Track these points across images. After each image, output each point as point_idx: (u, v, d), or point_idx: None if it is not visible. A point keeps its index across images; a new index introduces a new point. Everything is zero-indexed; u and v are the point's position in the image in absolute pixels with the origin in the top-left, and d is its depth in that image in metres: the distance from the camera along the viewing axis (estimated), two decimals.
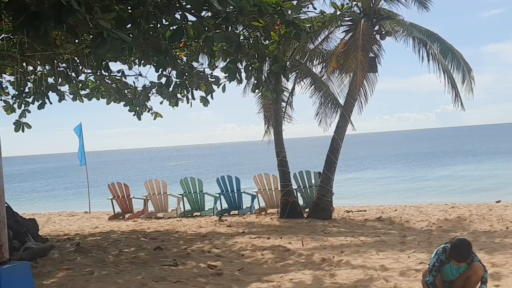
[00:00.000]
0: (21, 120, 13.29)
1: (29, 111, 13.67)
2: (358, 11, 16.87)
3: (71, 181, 59.57)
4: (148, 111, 14.74)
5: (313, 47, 17.69)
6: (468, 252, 6.41)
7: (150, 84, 13.59)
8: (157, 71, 11.74)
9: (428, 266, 6.68)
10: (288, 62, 15.92)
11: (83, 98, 14.07)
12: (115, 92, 13.89)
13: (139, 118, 14.53)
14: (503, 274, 7.91)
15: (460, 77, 17.05)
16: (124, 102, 14.33)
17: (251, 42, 10.65)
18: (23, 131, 13.18)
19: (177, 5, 8.29)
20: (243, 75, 10.86)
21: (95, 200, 24.92)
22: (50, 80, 13.38)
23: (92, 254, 10.93)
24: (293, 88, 18.24)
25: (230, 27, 8.38)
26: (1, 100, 13.99)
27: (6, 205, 7.24)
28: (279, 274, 8.57)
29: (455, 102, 17.12)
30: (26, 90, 13.68)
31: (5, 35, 9.92)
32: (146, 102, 14.38)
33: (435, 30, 17.77)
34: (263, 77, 11.54)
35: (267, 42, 10.50)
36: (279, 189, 17.26)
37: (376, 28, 16.94)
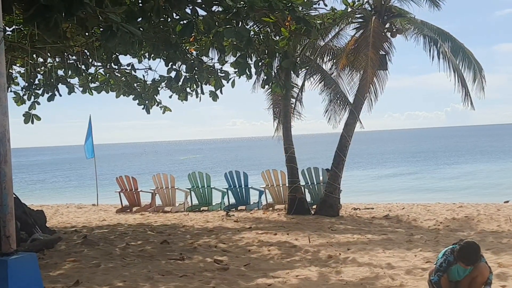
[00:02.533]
0: (30, 112, 13.32)
1: (38, 103, 13.71)
2: (369, 8, 16.82)
3: (80, 173, 59.80)
4: (157, 105, 14.76)
5: (323, 43, 17.64)
6: (476, 256, 6.38)
7: (159, 78, 13.61)
8: (166, 65, 11.75)
9: (435, 265, 6.65)
10: (298, 58, 15.88)
11: (92, 91, 14.11)
12: (125, 85, 13.92)
13: (148, 112, 14.54)
14: (509, 274, 7.88)
15: (471, 76, 16.95)
16: (133, 96, 14.35)
17: (261, 37, 10.65)
18: (32, 122, 13.20)
19: None
20: (253, 70, 10.86)
21: (103, 192, 24.99)
22: (60, 72, 13.43)
23: (99, 246, 10.96)
24: (303, 85, 18.22)
25: (240, 23, 8.37)
26: (11, 91, 14.05)
27: (14, 196, 7.26)
28: (285, 270, 8.56)
29: (465, 101, 17.04)
30: (36, 82, 13.73)
31: (16, 27, 9.96)
32: (155, 96, 14.39)
33: (447, 28, 17.68)
34: (273, 73, 11.53)
35: (277, 38, 10.49)
36: (287, 185, 17.24)
37: (387, 26, 16.88)
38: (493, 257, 8.96)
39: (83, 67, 12.42)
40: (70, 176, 57.54)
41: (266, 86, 13.74)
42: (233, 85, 12.74)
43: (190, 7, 8.30)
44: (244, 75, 10.91)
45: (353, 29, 17.31)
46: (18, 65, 13.30)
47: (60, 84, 13.62)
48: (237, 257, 9.81)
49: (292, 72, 13.88)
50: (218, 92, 13.06)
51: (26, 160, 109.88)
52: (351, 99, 17.36)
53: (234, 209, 18.33)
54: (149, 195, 19.55)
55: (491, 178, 35.05)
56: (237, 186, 18.76)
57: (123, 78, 13.81)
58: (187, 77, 12.41)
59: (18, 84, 14.28)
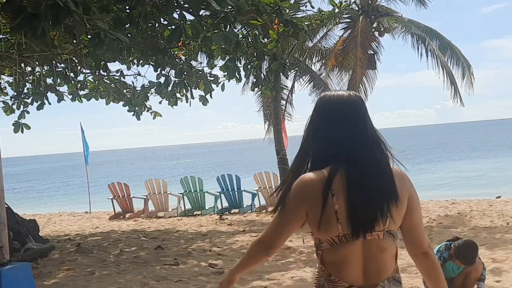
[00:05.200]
0: (20, 121, 13.28)
1: (28, 112, 13.67)
2: (357, 8, 16.88)
3: (71, 181, 59.56)
4: (148, 111, 14.73)
5: (311, 45, 17.70)
6: (474, 255, 6.42)
7: (149, 84, 13.59)
8: (155, 70, 11.74)
9: None
10: (287, 60, 15.92)
11: (82, 98, 14.07)
12: (114, 92, 13.88)
13: (138, 118, 14.51)
14: (503, 269, 7.91)
15: (460, 73, 17.06)
16: (123, 102, 14.31)
17: (249, 40, 10.65)
18: (22, 132, 13.17)
19: (175, 4, 8.29)
20: (242, 73, 10.86)
21: (96, 200, 24.89)
22: (49, 80, 13.39)
23: (93, 254, 10.94)
24: (293, 86, 18.29)
25: (228, 26, 8.38)
26: (0, 101, 13.99)
27: (6, 206, 7.24)
28: (280, 272, 8.57)
29: (455, 98, 17.16)
30: (25, 91, 13.68)
31: (3, 36, 9.92)
32: (145, 102, 14.37)
33: (435, 26, 17.84)
34: (262, 75, 11.54)
35: (265, 40, 10.49)
36: None
37: (374, 25, 16.96)
38: (487, 253, 9.00)
39: (71, 74, 12.39)
40: (62, 185, 57.29)
41: (256, 89, 13.76)
42: (222, 88, 12.75)
43: (178, 12, 8.30)
44: (234, 79, 10.91)
45: (341, 29, 17.43)
46: (6, 74, 13.25)
47: (49, 92, 13.58)
48: (232, 260, 9.80)
49: (281, 74, 13.92)
50: (208, 96, 13.06)
51: (18, 169, 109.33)
52: None
53: (227, 212, 18.30)
54: (141, 201, 19.50)
55: (483, 173, 35.16)
56: (230, 190, 18.73)
57: (113, 84, 13.77)
58: (177, 82, 12.40)
59: (6, 94, 14.23)
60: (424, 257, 2.71)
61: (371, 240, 2.48)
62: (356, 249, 2.46)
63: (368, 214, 2.43)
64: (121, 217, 19.11)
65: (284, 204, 2.49)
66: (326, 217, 2.40)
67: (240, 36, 10.20)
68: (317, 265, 2.63)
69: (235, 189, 18.68)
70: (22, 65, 11.87)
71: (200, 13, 8.63)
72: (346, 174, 2.41)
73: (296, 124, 20.69)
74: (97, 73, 13.16)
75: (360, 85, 16.96)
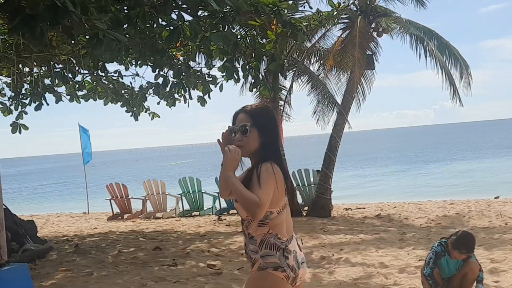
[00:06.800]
0: (18, 121, 13.24)
1: (26, 113, 13.63)
2: (355, 9, 16.87)
3: (69, 182, 59.50)
4: (146, 111, 14.71)
5: (310, 45, 17.67)
6: (473, 243, 6.49)
7: (147, 84, 13.55)
8: (154, 71, 11.70)
9: (425, 260, 6.72)
10: (285, 61, 15.89)
11: (80, 99, 14.04)
12: (112, 92, 13.85)
13: (136, 119, 14.47)
14: (502, 269, 7.92)
15: (458, 73, 17.08)
16: (121, 103, 14.28)
17: (248, 41, 10.63)
18: (20, 132, 13.13)
19: (174, 4, 8.28)
20: (241, 74, 10.84)
21: (94, 200, 24.86)
22: (47, 81, 13.35)
23: (91, 255, 10.92)
24: (291, 87, 18.22)
25: (227, 27, 8.36)
26: None
27: (4, 206, 7.23)
28: None
29: (453, 98, 17.17)
30: (23, 91, 13.65)
31: (1, 37, 9.91)
32: (143, 102, 14.33)
33: (434, 26, 17.91)
34: (261, 76, 11.51)
35: (264, 40, 10.48)
36: None
37: (373, 26, 16.94)
38: (485, 253, 9.01)
39: (69, 75, 12.36)
40: (60, 185, 57.24)
41: (254, 89, 13.72)
42: (221, 89, 12.72)
43: (176, 13, 8.29)
44: (232, 79, 10.89)
45: (339, 29, 17.38)
46: (4, 75, 13.22)
47: (47, 93, 13.54)
48: (230, 261, 9.80)
49: (279, 75, 13.89)
50: (206, 97, 13.03)
51: (16, 170, 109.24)
52: (339, 99, 17.40)
53: (225, 213, 18.28)
54: (140, 201, 19.48)
55: (481, 174, 35.19)
56: None
57: (111, 85, 13.73)
58: (175, 82, 12.37)
59: (4, 95, 14.20)
60: None
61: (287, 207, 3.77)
62: (286, 213, 3.75)
63: (292, 190, 3.30)
64: (119, 217, 19.09)
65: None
66: (282, 193, 3.64)
67: (239, 36, 10.18)
68: (259, 233, 3.72)
69: None
70: (20, 65, 11.86)
71: (199, 13, 8.61)
72: (282, 166, 3.69)
73: (295, 125, 20.70)
74: (95, 74, 13.13)
75: (358, 85, 16.96)
